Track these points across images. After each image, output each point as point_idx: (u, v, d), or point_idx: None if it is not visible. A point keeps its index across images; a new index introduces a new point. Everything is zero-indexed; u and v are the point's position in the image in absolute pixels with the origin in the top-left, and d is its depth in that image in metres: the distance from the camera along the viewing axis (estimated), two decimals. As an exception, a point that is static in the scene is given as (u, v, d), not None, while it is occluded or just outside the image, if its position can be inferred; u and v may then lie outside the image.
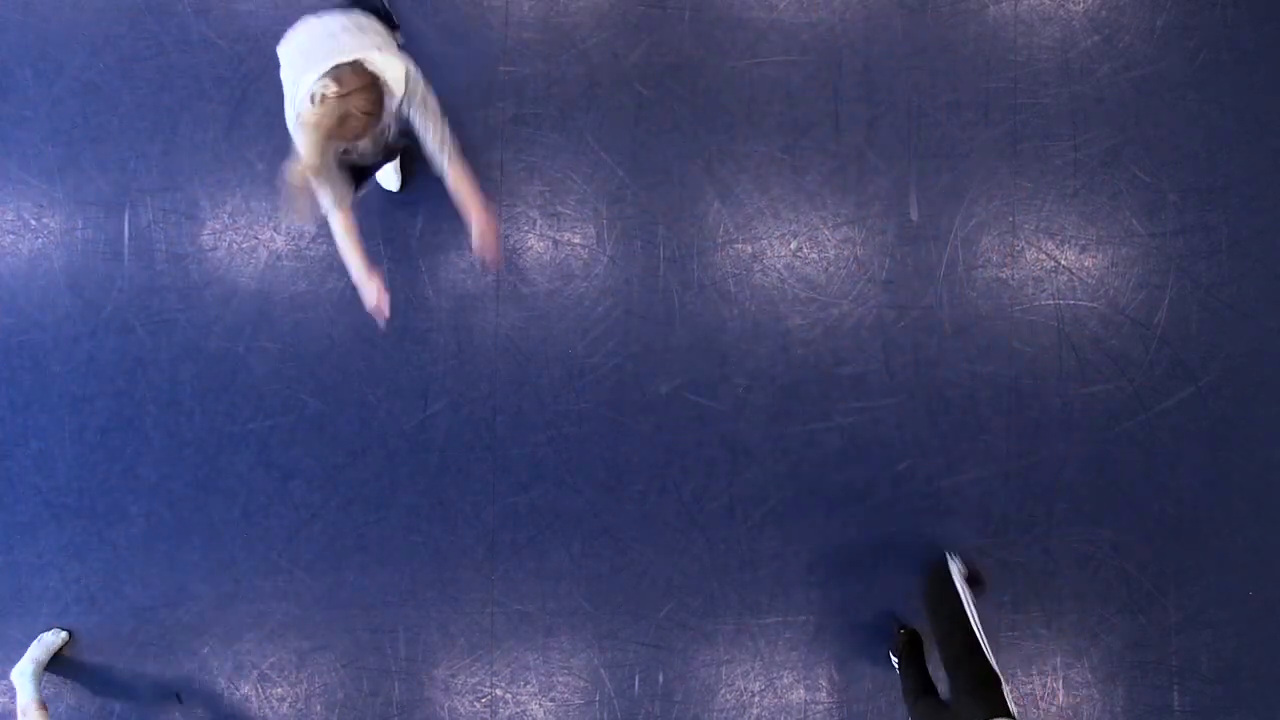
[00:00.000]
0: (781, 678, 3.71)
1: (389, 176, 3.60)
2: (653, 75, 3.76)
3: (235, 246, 3.70)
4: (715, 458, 3.73)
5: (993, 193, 3.78)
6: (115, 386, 3.68)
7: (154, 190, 3.70)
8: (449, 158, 2.89)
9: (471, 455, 3.70)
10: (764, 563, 3.72)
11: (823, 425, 3.74)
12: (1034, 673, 3.74)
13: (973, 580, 3.35)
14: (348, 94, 2.53)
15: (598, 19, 3.75)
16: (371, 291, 2.95)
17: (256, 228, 3.71)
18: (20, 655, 3.65)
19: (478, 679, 3.68)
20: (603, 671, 3.69)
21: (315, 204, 2.77)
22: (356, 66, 2.59)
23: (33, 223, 3.69)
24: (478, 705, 3.68)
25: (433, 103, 2.81)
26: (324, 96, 2.53)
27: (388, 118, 2.70)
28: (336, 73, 2.56)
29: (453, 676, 3.68)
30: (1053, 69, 3.80)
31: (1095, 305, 3.79)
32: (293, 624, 3.67)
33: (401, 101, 2.74)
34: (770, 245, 3.76)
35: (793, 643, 3.71)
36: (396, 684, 3.67)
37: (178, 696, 3.65)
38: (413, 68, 2.76)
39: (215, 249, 3.70)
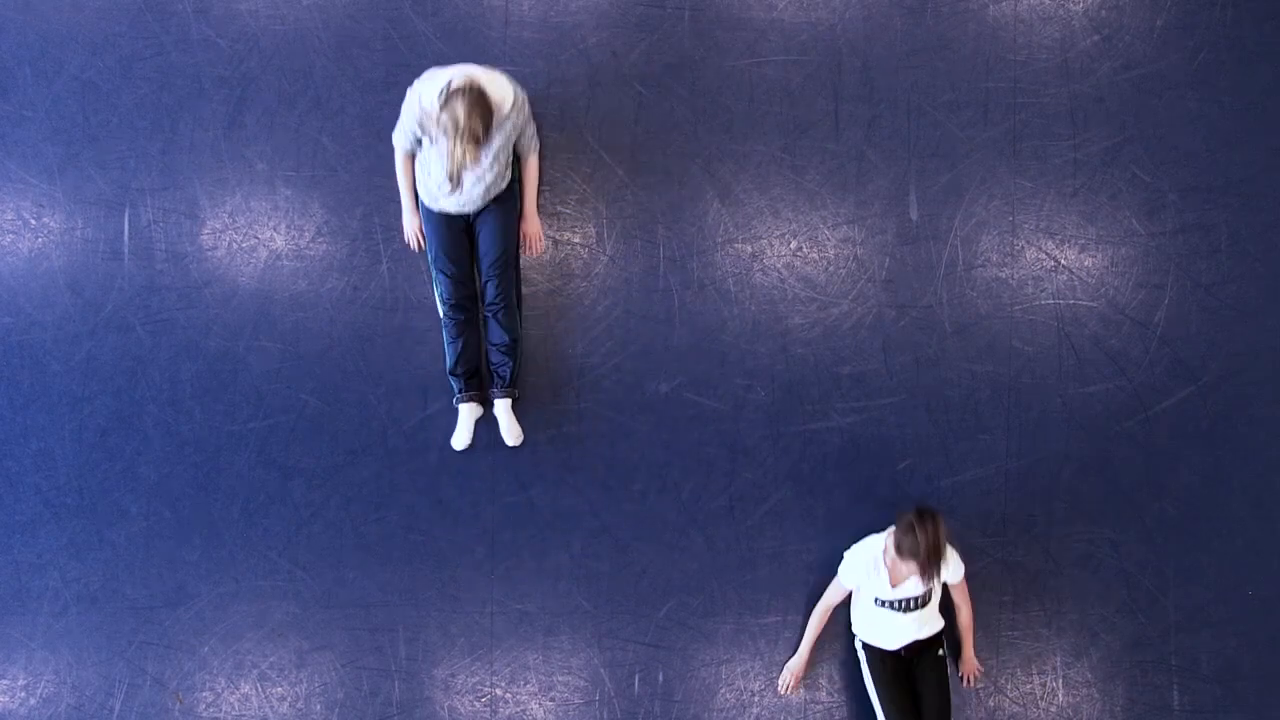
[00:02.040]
0: (782, 677, 3.71)
1: (508, 427, 3.66)
2: (653, 75, 3.76)
3: (235, 246, 3.70)
4: (715, 457, 3.73)
5: (992, 192, 3.78)
6: (115, 386, 3.68)
7: (154, 190, 3.70)
8: (530, 151, 3.52)
9: (471, 455, 3.70)
10: (764, 562, 3.72)
11: (823, 425, 3.74)
12: (1034, 673, 3.74)
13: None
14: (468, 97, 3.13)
15: (598, 19, 3.76)
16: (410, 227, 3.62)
17: (256, 227, 3.71)
18: (17, 655, 3.66)
19: (478, 679, 3.68)
20: (603, 671, 3.69)
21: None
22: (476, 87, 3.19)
23: (33, 222, 3.69)
24: (478, 705, 3.68)
25: (531, 129, 3.48)
26: (453, 91, 3.14)
27: (496, 136, 3.32)
28: (463, 83, 3.17)
29: (453, 676, 3.68)
30: (1053, 69, 3.80)
31: (1095, 305, 3.79)
32: (293, 624, 3.67)
33: (510, 115, 3.33)
34: (770, 245, 3.76)
35: (792, 643, 3.71)
36: (396, 684, 3.67)
37: (178, 696, 3.65)
38: (520, 93, 3.37)
39: (215, 248, 3.70)
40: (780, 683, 3.67)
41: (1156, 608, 3.76)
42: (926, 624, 3.49)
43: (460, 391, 3.61)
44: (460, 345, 3.57)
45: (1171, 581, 3.76)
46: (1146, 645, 3.75)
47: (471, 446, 3.65)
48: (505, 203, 3.52)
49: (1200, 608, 3.76)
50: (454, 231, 3.50)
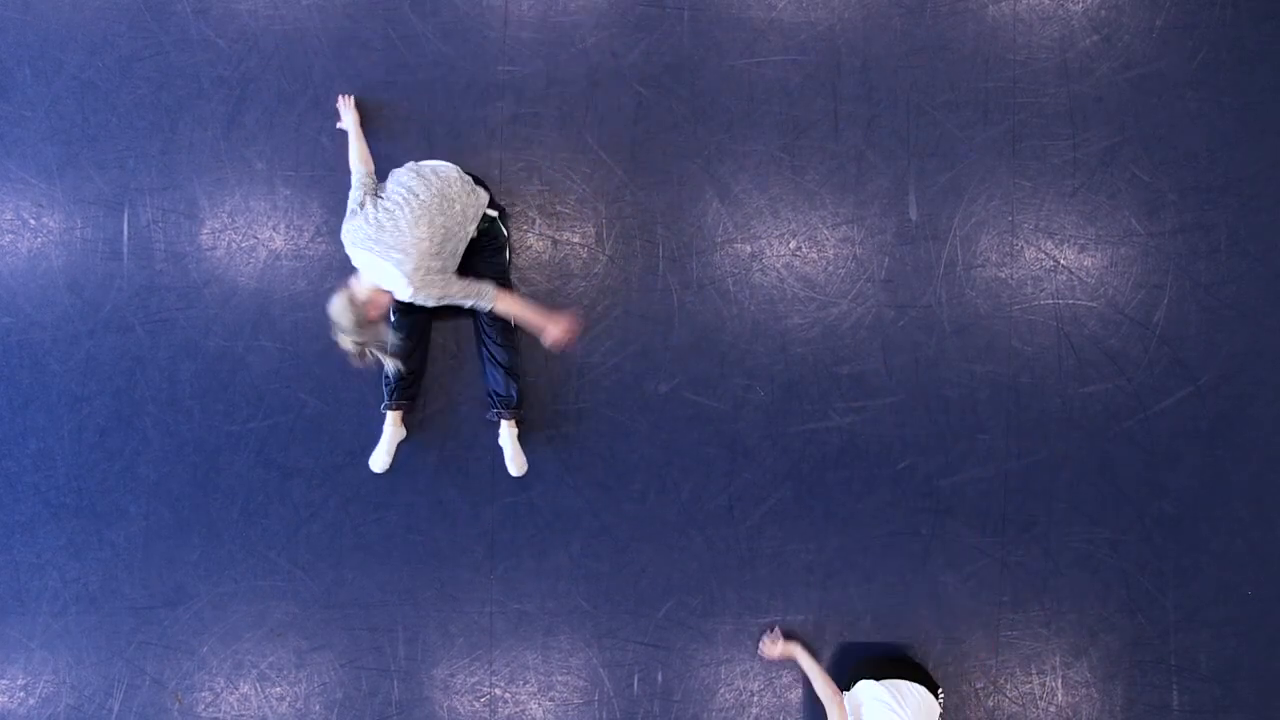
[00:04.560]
0: (781, 677, 3.71)
1: (513, 455, 3.64)
2: (652, 75, 3.76)
3: (234, 246, 3.71)
4: (714, 457, 3.73)
5: (992, 192, 3.79)
6: (114, 386, 3.68)
7: (153, 190, 3.70)
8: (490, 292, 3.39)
9: (471, 455, 3.70)
10: (763, 562, 3.72)
11: (822, 425, 3.74)
12: (1034, 672, 3.73)
13: None
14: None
15: (597, 19, 3.76)
16: None
17: (255, 227, 3.71)
18: (16, 656, 3.65)
19: (477, 679, 3.68)
20: (602, 671, 3.69)
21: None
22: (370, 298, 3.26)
23: (32, 222, 3.69)
24: (477, 705, 3.67)
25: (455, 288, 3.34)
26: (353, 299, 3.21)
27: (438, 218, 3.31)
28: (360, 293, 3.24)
29: (452, 676, 3.68)
30: (1052, 68, 3.80)
31: (1094, 305, 3.79)
32: (292, 624, 3.67)
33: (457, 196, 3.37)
34: (769, 244, 3.77)
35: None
36: (396, 684, 3.67)
37: (177, 696, 3.65)
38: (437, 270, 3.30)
39: (214, 248, 3.70)
40: (763, 646, 3.63)
41: (1156, 608, 3.75)
42: None
43: (389, 398, 3.55)
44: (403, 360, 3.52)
45: (1171, 581, 3.76)
46: (1146, 645, 3.75)
47: (392, 469, 3.64)
48: (489, 238, 3.51)
49: (1200, 608, 3.76)
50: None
